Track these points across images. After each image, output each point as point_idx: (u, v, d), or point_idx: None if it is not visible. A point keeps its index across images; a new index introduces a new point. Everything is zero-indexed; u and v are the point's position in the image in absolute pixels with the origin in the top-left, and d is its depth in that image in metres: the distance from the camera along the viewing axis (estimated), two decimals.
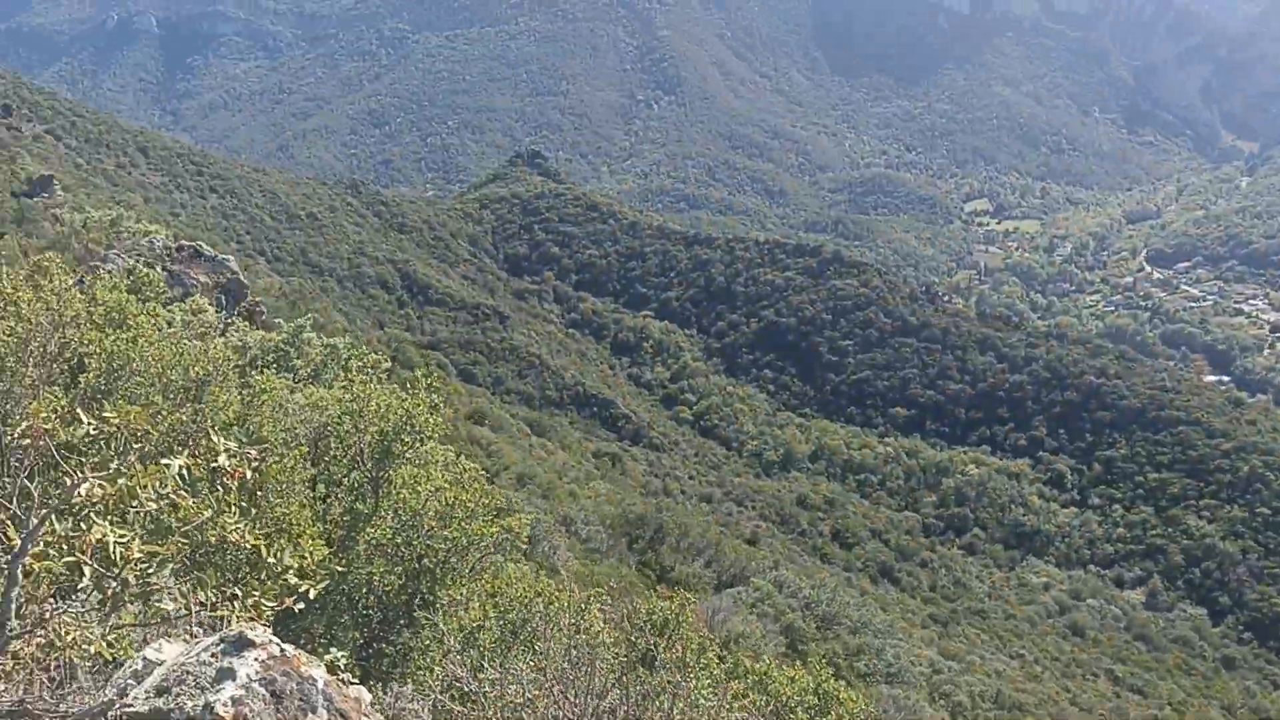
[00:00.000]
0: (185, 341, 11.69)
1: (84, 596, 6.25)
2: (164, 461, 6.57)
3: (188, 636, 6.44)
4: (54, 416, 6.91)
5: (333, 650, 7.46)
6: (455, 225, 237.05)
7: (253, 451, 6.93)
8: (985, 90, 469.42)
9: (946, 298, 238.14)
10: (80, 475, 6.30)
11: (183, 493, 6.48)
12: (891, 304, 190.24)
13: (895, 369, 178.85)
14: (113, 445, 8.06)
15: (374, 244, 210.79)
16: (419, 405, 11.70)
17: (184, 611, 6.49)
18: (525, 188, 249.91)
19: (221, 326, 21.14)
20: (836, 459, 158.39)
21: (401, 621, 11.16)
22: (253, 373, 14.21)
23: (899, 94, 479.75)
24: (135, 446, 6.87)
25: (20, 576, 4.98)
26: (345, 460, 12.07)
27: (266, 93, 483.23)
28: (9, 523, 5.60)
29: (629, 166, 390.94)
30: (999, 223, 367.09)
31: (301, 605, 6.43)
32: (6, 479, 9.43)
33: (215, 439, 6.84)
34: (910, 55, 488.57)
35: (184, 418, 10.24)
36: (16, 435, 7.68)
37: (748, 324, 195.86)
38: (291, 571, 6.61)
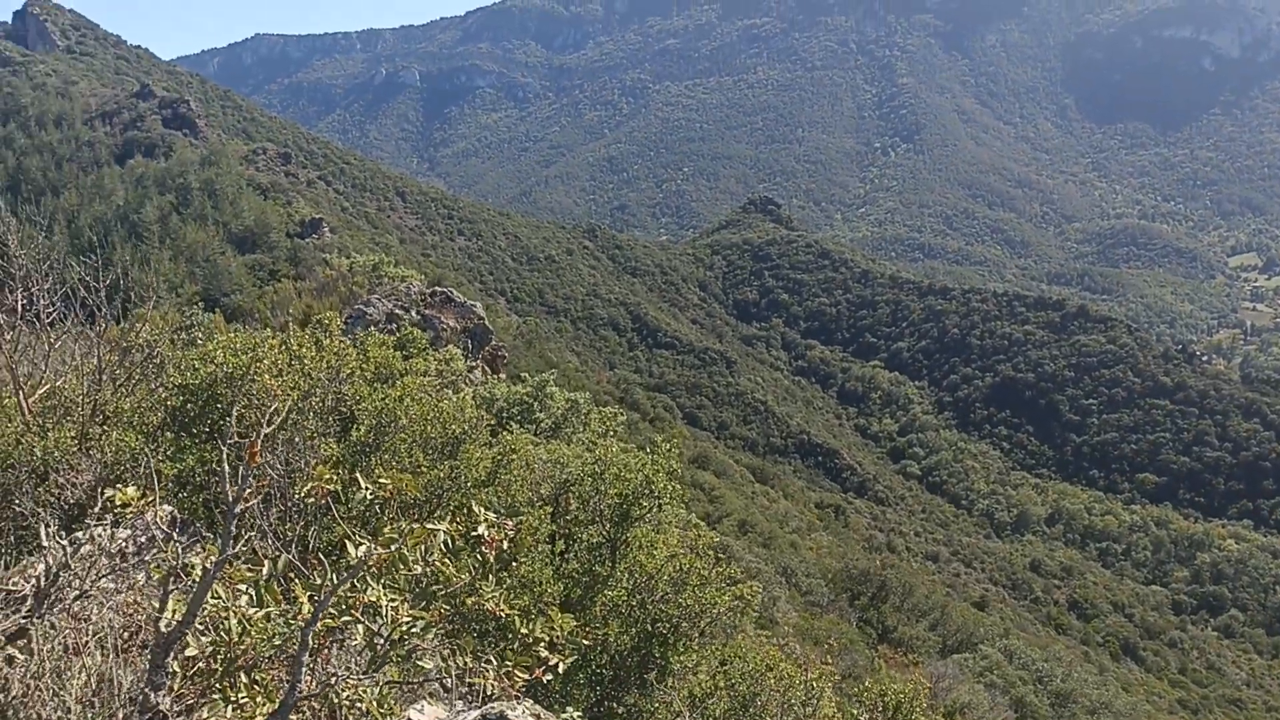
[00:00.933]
0: (443, 399, 12.40)
1: (354, 654, 6.73)
2: (431, 527, 6.96)
3: (447, 700, 6.81)
4: (335, 479, 7.51)
5: (569, 710, 7.69)
6: (686, 270, 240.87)
7: (510, 523, 7.28)
8: (1255, 137, 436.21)
9: (1205, 358, 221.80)
10: (358, 539, 6.76)
11: (446, 559, 6.86)
12: (1142, 363, 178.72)
13: (1145, 432, 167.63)
14: (385, 510, 8.74)
15: (607, 286, 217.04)
16: (659, 470, 11.96)
17: (442, 674, 6.86)
18: (757, 234, 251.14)
19: (469, 373, 22.30)
20: (1076, 524, 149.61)
21: (633, 682, 11.36)
22: (502, 428, 14.94)
23: (1157, 141, 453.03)
24: (405, 511, 7.35)
25: (310, 641, 5.41)
26: (585, 518, 12.46)
27: (514, 140, 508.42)
28: (301, 585, 6.09)
29: (863, 214, 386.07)
30: (1269, 279, 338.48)
31: (550, 677, 6.69)
32: (289, 528, 10.31)
33: (477, 509, 7.21)
34: (1171, 100, 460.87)
35: (442, 474, 10.88)
36: (303, 493, 8.46)
37: (982, 378, 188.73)
38: (542, 644, 6.88)
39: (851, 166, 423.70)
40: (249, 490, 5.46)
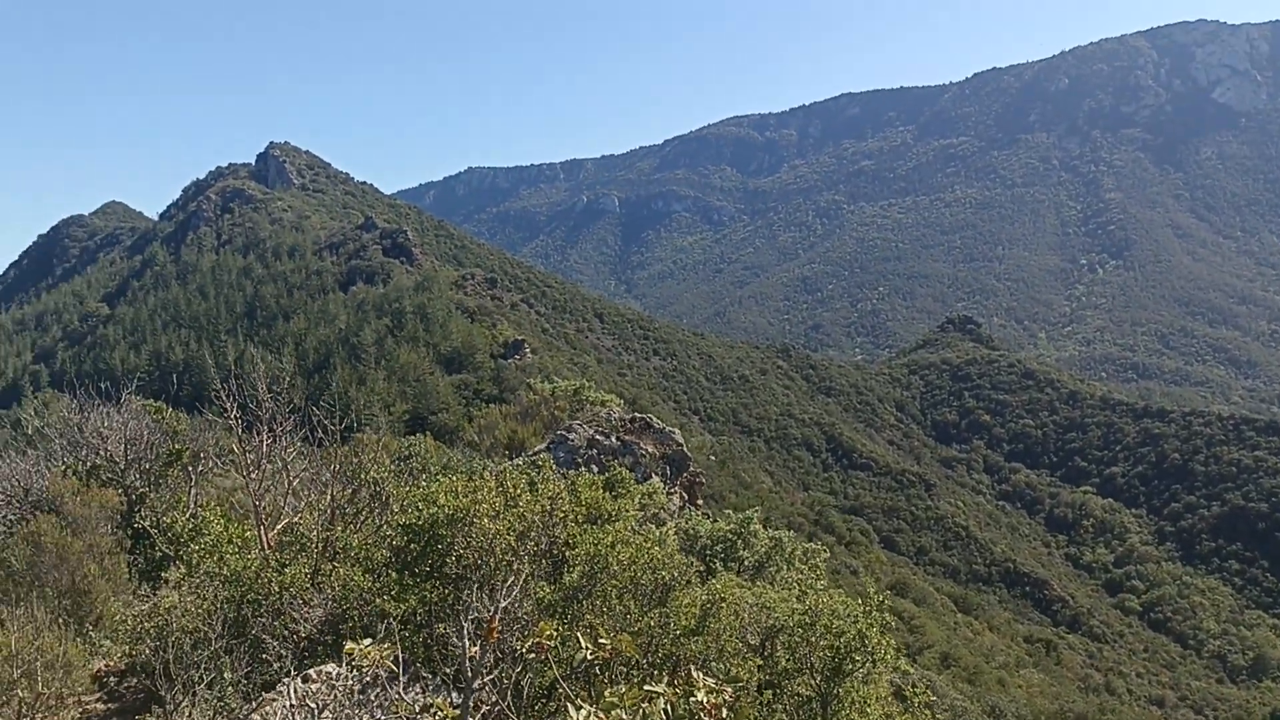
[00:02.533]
0: (651, 543, 12.45)
1: None
2: (650, 690, 6.92)
3: None
4: (556, 634, 7.62)
5: None
6: (882, 390, 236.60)
7: (728, 690, 7.16)
8: None
9: None
10: (579, 702, 6.77)
11: None
12: None
13: None
14: (604, 670, 8.78)
15: (801, 406, 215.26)
16: (873, 624, 11.60)
17: None
18: (956, 354, 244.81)
19: (675, 509, 22.39)
20: None
21: None
22: (707, 567, 14.85)
23: None
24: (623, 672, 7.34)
25: None
26: (793, 668, 12.17)
27: (709, 262, 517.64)
28: None
29: (1069, 333, 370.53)
30: None
31: None
32: (505, 671, 10.47)
33: (696, 674, 7.14)
34: None
35: (653, 622, 10.87)
36: (525, 648, 8.61)
37: (1209, 507, 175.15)
38: None
39: (1056, 284, 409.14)
40: (486, 662, 5.60)
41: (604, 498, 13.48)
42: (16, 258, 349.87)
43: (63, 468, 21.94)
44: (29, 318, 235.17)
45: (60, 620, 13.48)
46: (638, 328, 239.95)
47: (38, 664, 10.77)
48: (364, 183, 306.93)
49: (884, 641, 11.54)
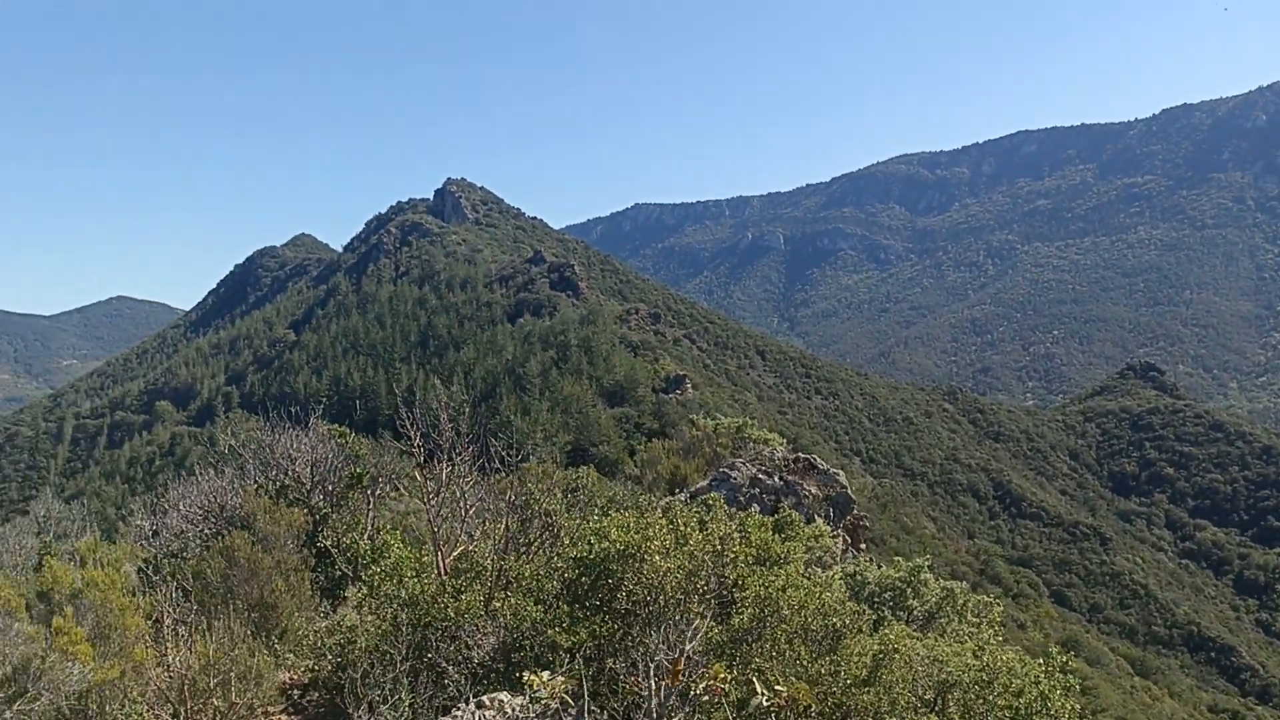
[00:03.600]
0: (822, 587, 12.26)
1: None
2: None
3: None
4: (730, 677, 7.57)
5: None
6: (1055, 437, 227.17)
7: None
8: None
9: None
10: None
11: None
12: None
13: None
14: (778, 717, 8.66)
15: (968, 451, 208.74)
16: (1055, 686, 11.07)
17: None
18: (1136, 401, 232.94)
19: (838, 553, 22.01)
20: None
21: None
22: (875, 614, 14.51)
23: None
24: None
25: None
26: None
27: (874, 301, 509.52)
28: None
29: (1264, 384, 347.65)
30: None
31: None
32: (673, 711, 10.46)
33: None
34: None
35: (823, 670, 10.67)
36: (699, 690, 8.60)
37: None
38: None
39: (1249, 331, 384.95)
40: (670, 704, 5.61)
41: (773, 539, 13.35)
42: (215, 285, 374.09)
43: (255, 486, 23.17)
44: (224, 342, 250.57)
45: (249, 632, 14.20)
46: (800, 365, 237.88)
47: (232, 674, 11.36)
48: (534, 218, 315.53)
49: (1067, 705, 11.00)
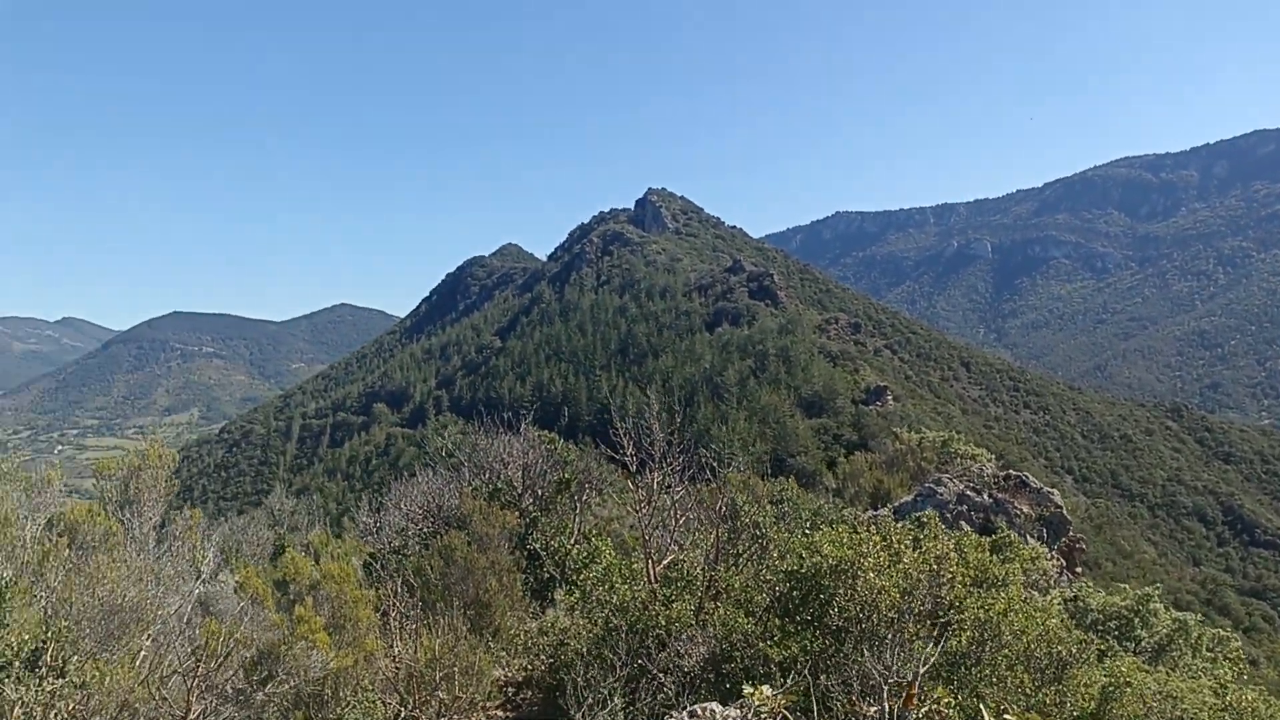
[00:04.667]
0: (1044, 612, 11.73)
1: None
2: None
3: None
4: (954, 702, 7.34)
5: None
6: None
7: None
8: None
9: None
10: None
11: None
12: None
13: None
14: None
15: (1193, 472, 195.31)
16: None
17: None
18: None
19: (1056, 575, 21.02)
20: None
21: None
22: (1100, 643, 13.76)
23: None
24: None
25: None
26: None
27: (1089, 312, 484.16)
28: None
29: None
30: None
31: None
32: None
33: None
34: None
35: (1047, 699, 10.21)
36: (921, 714, 8.37)
37: None
38: None
39: None
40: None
41: (991, 560, 12.88)
42: (428, 293, 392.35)
43: (470, 488, 24.13)
44: (435, 348, 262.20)
45: (468, 630, 14.77)
46: (1007, 378, 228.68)
47: (455, 669, 11.86)
48: (733, 227, 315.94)
49: None
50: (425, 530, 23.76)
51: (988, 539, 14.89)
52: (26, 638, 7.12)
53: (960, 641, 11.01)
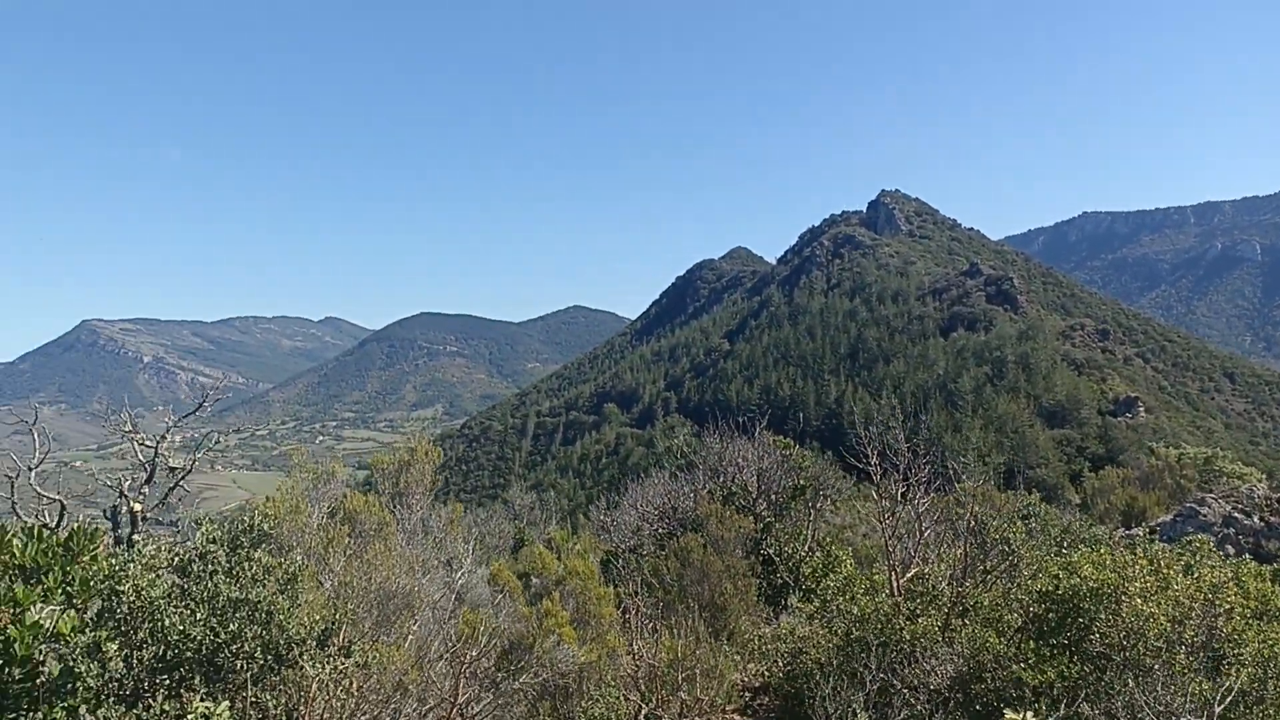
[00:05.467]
0: None
1: None
2: None
3: None
4: None
5: None
6: None
7: None
8: None
9: None
10: None
11: None
12: None
13: None
14: None
15: None
16: None
17: None
18: None
19: None
20: None
21: None
22: None
23: None
24: None
25: None
26: None
27: None
28: None
29: None
30: None
31: None
32: None
33: None
34: None
35: None
36: None
37: None
38: None
39: None
40: None
41: (1274, 591, 11.84)
42: (658, 296, 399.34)
43: (705, 491, 24.35)
44: (664, 350, 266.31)
45: (707, 632, 14.90)
46: (1278, 390, 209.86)
47: (696, 671, 11.98)
48: (970, 229, 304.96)
49: None
50: (660, 531, 24.15)
51: (1268, 568, 13.70)
52: (318, 618, 7.73)
53: (1239, 678, 10.16)
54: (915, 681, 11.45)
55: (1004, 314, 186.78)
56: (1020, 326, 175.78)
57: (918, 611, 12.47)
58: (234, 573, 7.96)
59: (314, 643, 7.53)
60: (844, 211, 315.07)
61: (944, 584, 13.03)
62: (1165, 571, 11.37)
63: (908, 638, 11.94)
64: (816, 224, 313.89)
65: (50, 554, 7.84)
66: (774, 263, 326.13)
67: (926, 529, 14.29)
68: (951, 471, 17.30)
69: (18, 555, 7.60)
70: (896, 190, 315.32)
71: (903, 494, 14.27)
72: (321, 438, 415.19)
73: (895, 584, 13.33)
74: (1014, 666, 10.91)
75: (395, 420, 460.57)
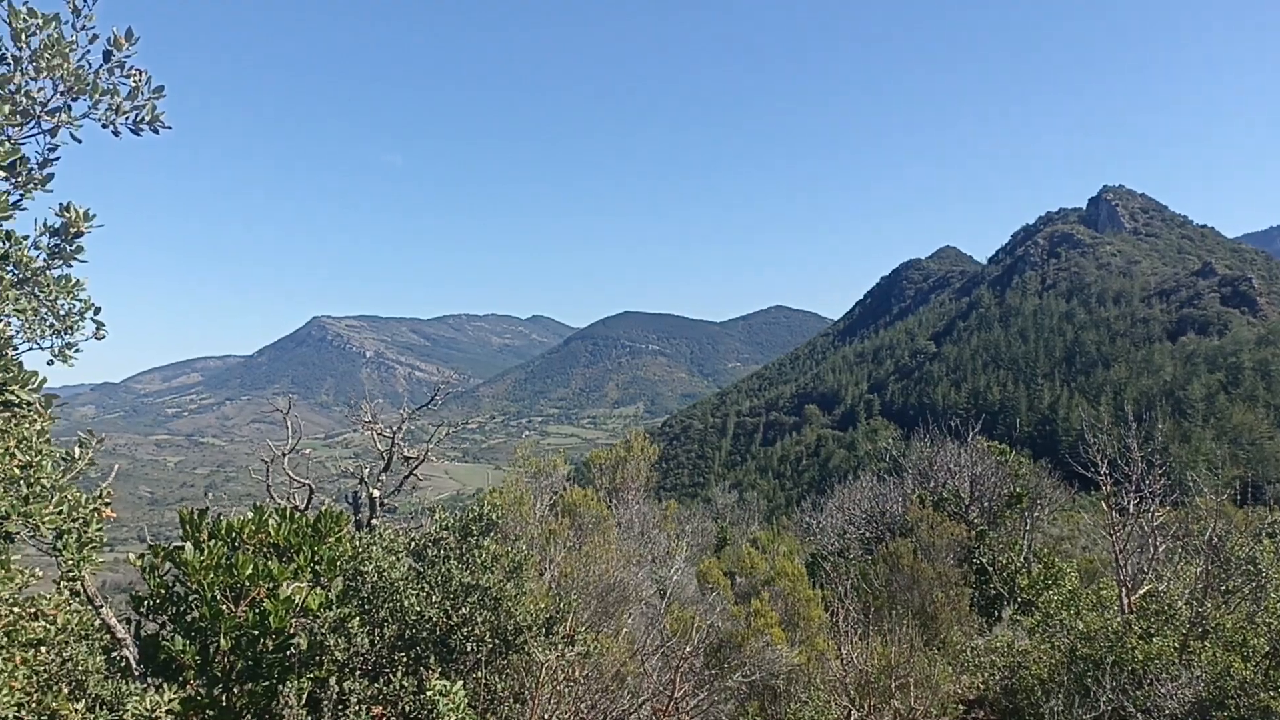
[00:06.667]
0: None
1: None
2: None
3: None
4: None
5: None
6: None
7: None
8: None
9: None
10: None
11: None
12: None
13: None
14: None
15: None
16: None
17: None
18: None
19: None
20: None
21: None
22: None
23: None
24: None
25: None
26: None
27: None
28: None
29: None
30: None
31: None
32: None
33: None
34: None
35: None
36: None
37: None
38: None
39: None
40: None
41: None
42: (862, 296, 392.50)
43: (916, 495, 23.77)
44: (867, 351, 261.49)
45: (921, 640, 14.55)
46: None
47: (910, 679, 11.73)
48: (1204, 226, 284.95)
49: None
50: (867, 535, 23.74)
51: None
52: (543, 606, 8.02)
53: None
54: (1149, 704, 10.82)
55: (1240, 317, 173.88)
56: (1259, 331, 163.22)
57: (1151, 631, 11.78)
58: (465, 559, 8.35)
59: (540, 630, 7.81)
60: (1061, 209, 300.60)
61: (1181, 603, 12.24)
62: None
63: (1140, 658, 11.30)
64: (1031, 222, 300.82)
65: (301, 535, 8.43)
66: (984, 263, 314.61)
67: (1161, 544, 13.46)
68: (1188, 484, 16.24)
69: (273, 534, 8.23)
70: (1120, 186, 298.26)
71: (1137, 506, 13.49)
72: (527, 432, 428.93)
73: (1126, 601, 12.62)
74: (1261, 694, 10.15)
75: (598, 417, 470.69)
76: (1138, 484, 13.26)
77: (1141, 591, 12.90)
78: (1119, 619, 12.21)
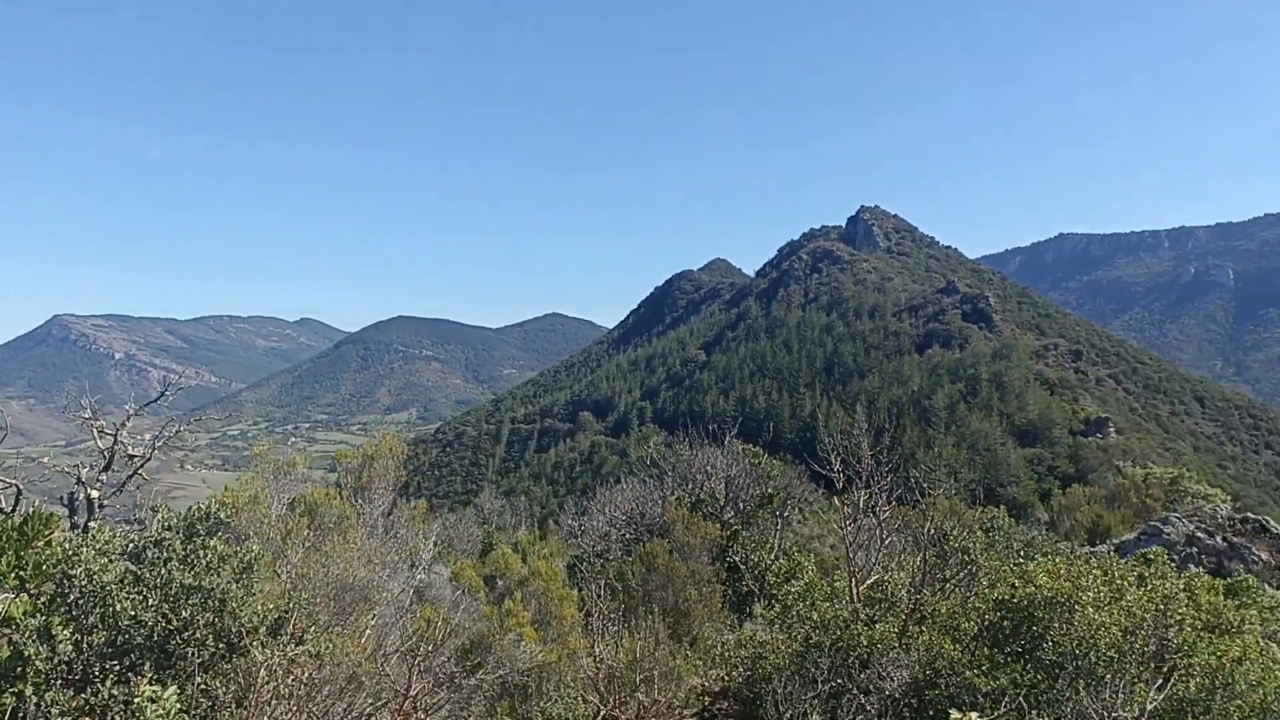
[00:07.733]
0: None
1: None
2: None
3: None
4: None
5: None
6: None
7: None
8: None
9: None
10: None
11: None
12: None
13: None
14: None
15: None
16: None
17: None
18: None
19: None
20: None
21: None
22: None
23: None
24: None
25: None
26: None
27: None
28: None
29: None
30: None
31: None
32: None
33: None
34: None
35: None
36: None
37: None
38: None
39: None
40: None
41: (1225, 605, 12.01)
42: (637, 305, 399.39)
43: (674, 497, 24.40)
44: (640, 359, 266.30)
45: (668, 636, 14.93)
46: (1247, 415, 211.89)
47: (655, 672, 12.02)
48: (949, 247, 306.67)
49: None
50: (627, 536, 24.17)
51: (1221, 581, 13.88)
52: (271, 607, 7.74)
53: (1188, 688, 10.31)
54: (869, 686, 11.53)
55: (979, 332, 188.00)
56: (995, 345, 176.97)
57: (876, 618, 12.56)
58: (188, 560, 7.95)
59: (265, 631, 7.54)
60: (823, 226, 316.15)
61: (903, 591, 13.12)
62: (1118, 582, 11.51)
63: (865, 643, 12.03)
64: (796, 238, 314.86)
65: (4, 538, 7.81)
66: (753, 275, 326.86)
67: (888, 537, 14.40)
68: (917, 484, 17.41)
69: None
70: (876, 206, 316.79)
71: (867, 503, 14.37)
72: (294, 439, 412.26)
73: (855, 591, 13.42)
74: (968, 673, 11.01)
75: (369, 423, 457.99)
76: (867, 481, 14.13)
77: (870, 581, 13.74)
78: (849, 608, 12.95)
